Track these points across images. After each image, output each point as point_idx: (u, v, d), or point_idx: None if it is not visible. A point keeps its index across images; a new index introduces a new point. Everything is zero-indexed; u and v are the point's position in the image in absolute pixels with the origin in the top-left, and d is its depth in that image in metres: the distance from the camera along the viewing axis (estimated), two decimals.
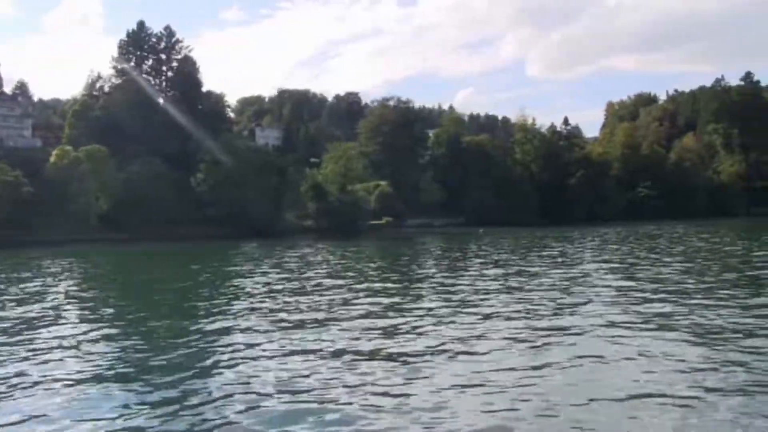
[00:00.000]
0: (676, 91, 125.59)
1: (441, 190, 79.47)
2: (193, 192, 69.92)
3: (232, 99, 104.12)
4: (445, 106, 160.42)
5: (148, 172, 68.41)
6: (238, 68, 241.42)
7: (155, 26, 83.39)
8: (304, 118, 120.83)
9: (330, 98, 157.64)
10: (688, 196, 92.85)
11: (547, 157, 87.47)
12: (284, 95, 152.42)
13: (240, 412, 8.41)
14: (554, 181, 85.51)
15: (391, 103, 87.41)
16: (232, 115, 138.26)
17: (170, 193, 67.24)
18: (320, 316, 15.67)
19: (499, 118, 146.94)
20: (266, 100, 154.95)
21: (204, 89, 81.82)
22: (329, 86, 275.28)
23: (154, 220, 64.43)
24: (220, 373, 10.36)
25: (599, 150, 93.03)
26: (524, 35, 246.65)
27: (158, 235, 61.53)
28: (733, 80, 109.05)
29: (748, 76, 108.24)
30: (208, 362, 11.12)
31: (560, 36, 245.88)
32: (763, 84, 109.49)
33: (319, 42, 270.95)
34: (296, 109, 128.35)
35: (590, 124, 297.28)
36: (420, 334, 13.23)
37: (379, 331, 13.53)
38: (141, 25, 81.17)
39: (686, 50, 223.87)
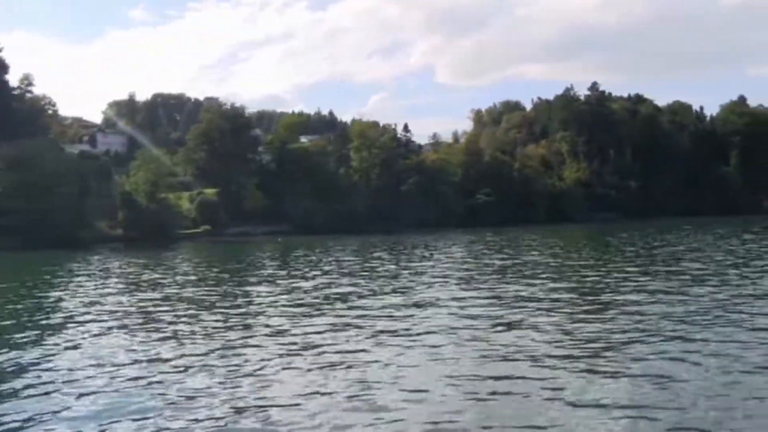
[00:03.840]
0: (539, 98, 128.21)
1: (266, 198, 78.14)
2: None
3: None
4: (358, 112, 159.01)
5: None
6: (146, 69, 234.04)
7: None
8: (162, 123, 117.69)
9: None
10: (529, 202, 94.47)
11: (384, 163, 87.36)
12: (157, 99, 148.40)
13: None
14: (389, 187, 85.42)
15: (224, 109, 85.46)
16: (100, 121, 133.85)
17: None
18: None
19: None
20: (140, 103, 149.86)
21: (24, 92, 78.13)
22: (238, 90, 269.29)
23: None
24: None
25: (433, 157, 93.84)
26: (434, 42, 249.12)
27: None
28: (638, 90, 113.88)
29: (594, 86, 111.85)
30: None
31: (469, 43, 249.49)
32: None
33: (229, 45, 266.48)
34: (152, 113, 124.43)
35: None
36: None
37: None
38: None
39: (590, 60, 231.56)
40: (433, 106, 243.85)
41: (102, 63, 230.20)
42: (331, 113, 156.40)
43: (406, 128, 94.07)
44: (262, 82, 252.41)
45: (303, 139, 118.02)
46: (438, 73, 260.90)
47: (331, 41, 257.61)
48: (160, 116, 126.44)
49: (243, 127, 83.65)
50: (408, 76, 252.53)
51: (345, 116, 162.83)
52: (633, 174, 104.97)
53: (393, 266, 33.17)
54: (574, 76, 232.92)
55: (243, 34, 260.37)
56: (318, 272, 30.64)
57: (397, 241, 57.45)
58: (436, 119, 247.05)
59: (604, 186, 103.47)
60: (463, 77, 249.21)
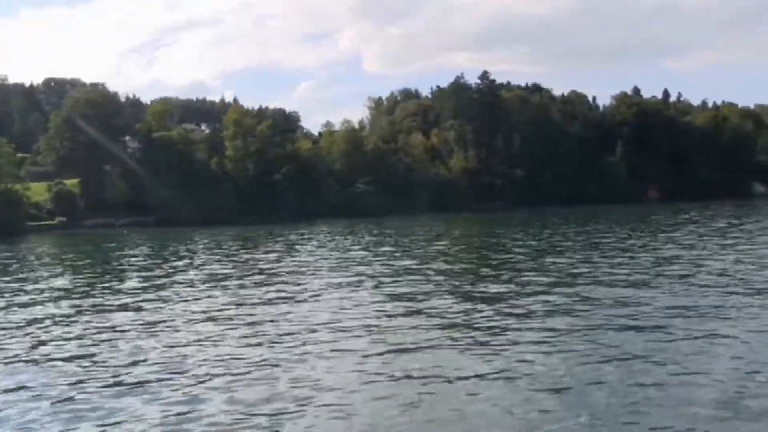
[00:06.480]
0: (438, 87, 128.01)
1: (130, 188, 75.58)
2: None
3: None
4: (285, 100, 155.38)
5: None
6: (61, 52, 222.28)
7: None
8: (45, 110, 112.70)
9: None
10: (412, 191, 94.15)
11: (258, 152, 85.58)
12: (50, 83, 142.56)
13: None
14: (264, 177, 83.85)
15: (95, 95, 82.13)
16: None
17: None
18: None
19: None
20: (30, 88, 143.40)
21: None
22: (163, 75, 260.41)
23: None
24: None
25: (307, 146, 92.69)
26: (362, 29, 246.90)
27: None
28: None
29: (485, 75, 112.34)
30: None
31: (397, 32, 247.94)
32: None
33: (152, 28, 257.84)
34: (30, 99, 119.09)
35: None
36: None
37: None
38: None
39: (516, 50, 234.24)
40: (362, 94, 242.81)
41: (15, 44, 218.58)
42: (235, 100, 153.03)
43: (286, 117, 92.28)
44: (188, 68, 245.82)
45: (204, 128, 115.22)
46: (366, 61, 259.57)
47: (259, 27, 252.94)
48: (41, 102, 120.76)
49: (110, 114, 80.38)
50: (336, 64, 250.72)
51: (270, 104, 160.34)
52: (521, 163, 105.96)
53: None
54: (501, 65, 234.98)
55: (167, 17, 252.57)
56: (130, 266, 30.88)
57: (252, 235, 56.63)
58: (363, 108, 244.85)
59: (490, 175, 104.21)
60: (392, 65, 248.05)
